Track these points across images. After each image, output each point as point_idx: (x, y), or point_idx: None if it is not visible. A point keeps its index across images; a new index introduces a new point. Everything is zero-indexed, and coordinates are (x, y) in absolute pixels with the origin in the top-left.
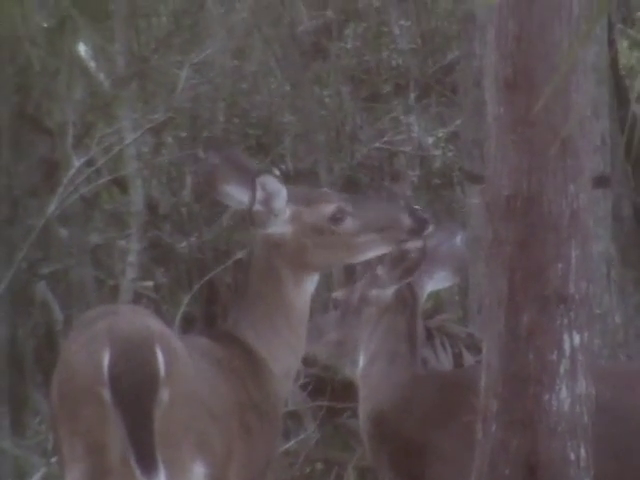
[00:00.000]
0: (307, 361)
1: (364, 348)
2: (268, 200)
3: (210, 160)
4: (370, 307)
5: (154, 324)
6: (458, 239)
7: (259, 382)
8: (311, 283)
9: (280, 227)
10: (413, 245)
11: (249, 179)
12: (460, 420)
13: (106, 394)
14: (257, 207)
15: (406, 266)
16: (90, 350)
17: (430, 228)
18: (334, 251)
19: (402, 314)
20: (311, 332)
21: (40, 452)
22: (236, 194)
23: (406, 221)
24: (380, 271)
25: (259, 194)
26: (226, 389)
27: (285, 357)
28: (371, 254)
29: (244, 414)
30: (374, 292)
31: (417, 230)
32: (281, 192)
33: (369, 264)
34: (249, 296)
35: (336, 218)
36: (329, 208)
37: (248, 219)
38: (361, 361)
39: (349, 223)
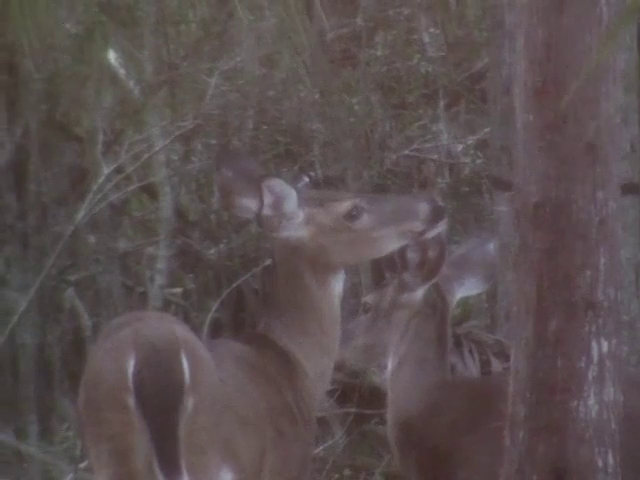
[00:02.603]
0: (336, 366)
1: (393, 353)
2: (278, 203)
3: (223, 174)
4: (400, 311)
5: (179, 331)
6: (490, 247)
7: (293, 384)
8: (337, 282)
9: (296, 231)
10: (432, 234)
11: (257, 186)
12: (488, 427)
13: (131, 401)
14: (267, 211)
15: (429, 267)
16: (115, 357)
17: (446, 217)
18: (353, 248)
19: (432, 319)
20: (340, 337)
21: (68, 458)
22: (249, 205)
23: (422, 211)
24: (407, 276)
25: (267, 198)
26: (258, 394)
27: (318, 358)
28: (391, 247)
29: (278, 419)
30: (404, 296)
31: (434, 218)
32: (290, 195)
33: (397, 270)
34: (278, 301)
35: (352, 215)
36: (344, 206)
37: (258, 224)
38: (389, 366)
39: (365, 219)
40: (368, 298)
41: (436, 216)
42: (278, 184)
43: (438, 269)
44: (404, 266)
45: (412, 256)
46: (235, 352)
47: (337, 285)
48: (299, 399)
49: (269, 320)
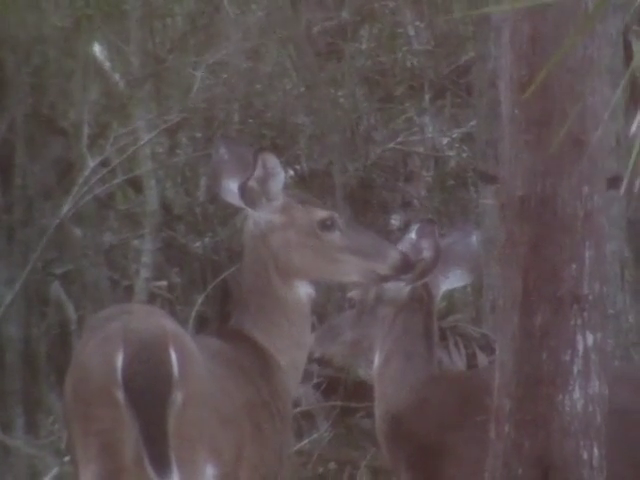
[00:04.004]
0: (322, 362)
1: (380, 347)
2: (265, 179)
3: (220, 156)
4: (386, 306)
5: (168, 325)
6: (473, 238)
7: (268, 378)
8: (302, 287)
9: (271, 213)
10: (393, 286)
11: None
12: (476, 421)
13: (120, 395)
14: (253, 183)
15: (421, 267)
16: (104, 351)
17: (412, 272)
18: (314, 258)
19: (418, 313)
20: (326, 332)
21: (53, 451)
22: (235, 190)
23: (393, 257)
24: None
25: (258, 170)
26: (236, 389)
27: (289, 349)
28: (348, 278)
29: (255, 414)
30: (390, 291)
31: (401, 269)
32: (279, 175)
33: None
34: (245, 291)
35: (326, 225)
36: (322, 213)
37: (240, 193)
38: (376, 361)
39: (337, 236)
40: (353, 293)
41: (404, 268)
42: (272, 160)
43: (431, 270)
44: None
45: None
46: (212, 347)
47: (302, 290)
48: (275, 393)
49: (239, 313)
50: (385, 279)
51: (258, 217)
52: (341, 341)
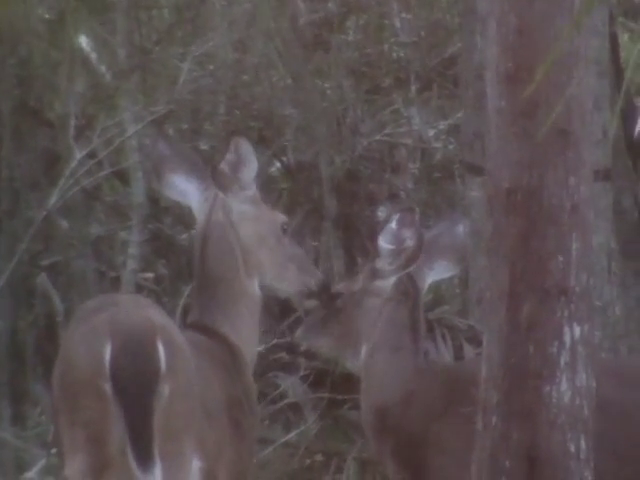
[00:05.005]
0: (308, 354)
1: (366, 340)
2: (237, 165)
3: (160, 151)
4: (372, 298)
5: (156, 316)
6: (459, 229)
7: (241, 374)
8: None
9: (242, 203)
10: (308, 304)
11: (199, 170)
12: (463, 412)
13: (107, 387)
14: (224, 166)
15: (406, 256)
16: (91, 342)
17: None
18: (273, 259)
19: (404, 305)
20: (313, 325)
21: (40, 443)
22: (182, 185)
23: (319, 277)
24: (379, 263)
25: (230, 155)
26: (218, 384)
27: (253, 346)
28: (288, 288)
29: (233, 410)
30: (376, 283)
31: (324, 290)
32: (252, 162)
33: (369, 257)
34: (211, 281)
35: (284, 229)
36: (282, 216)
37: (211, 175)
38: (363, 353)
39: (287, 242)
40: (340, 287)
41: (326, 289)
42: (246, 146)
43: (415, 258)
44: (375, 253)
45: (385, 244)
46: (194, 341)
47: (255, 287)
48: (247, 390)
49: (206, 305)
50: (310, 296)
51: (229, 205)
52: (328, 334)
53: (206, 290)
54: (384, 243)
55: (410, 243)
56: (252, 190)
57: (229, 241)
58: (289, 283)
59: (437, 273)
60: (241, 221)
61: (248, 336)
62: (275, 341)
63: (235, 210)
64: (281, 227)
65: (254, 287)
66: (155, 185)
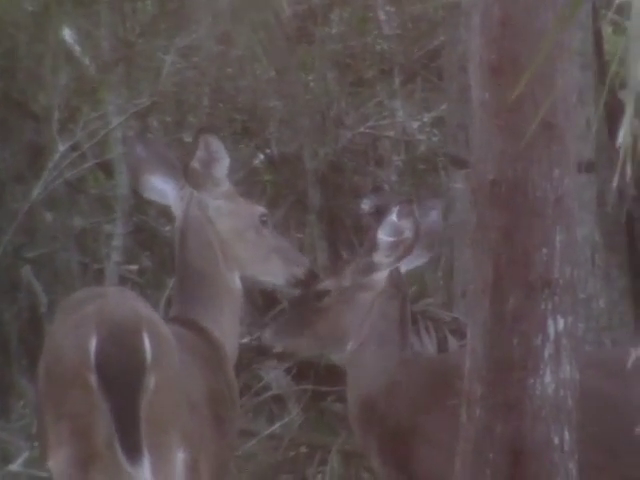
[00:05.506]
0: (282, 357)
1: (354, 334)
2: (208, 162)
3: (137, 153)
4: (365, 293)
5: (142, 309)
6: (433, 215)
7: (223, 368)
8: (237, 279)
9: (217, 199)
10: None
11: (175, 170)
12: (448, 405)
13: (93, 379)
14: (196, 164)
15: (403, 247)
16: (77, 334)
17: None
18: (253, 252)
19: (395, 299)
20: (286, 326)
21: (24, 436)
22: (160, 185)
23: (306, 265)
24: (376, 256)
25: (200, 152)
26: (201, 377)
27: (234, 340)
28: (273, 279)
29: (215, 402)
30: (372, 277)
31: (310, 278)
32: (223, 159)
33: (357, 251)
34: (192, 276)
35: (263, 220)
36: (261, 208)
37: (184, 174)
38: (350, 346)
39: (268, 233)
40: (327, 284)
41: (313, 277)
42: (216, 143)
43: (412, 249)
44: (374, 247)
45: (385, 237)
46: (177, 334)
47: (237, 282)
48: (229, 383)
49: (186, 300)
50: (298, 285)
51: (205, 201)
52: (307, 335)
53: (186, 285)
54: (384, 236)
55: (409, 234)
56: (226, 185)
57: (206, 236)
58: (274, 275)
59: (410, 261)
60: (217, 217)
61: (229, 329)
62: (259, 333)
63: (211, 206)
64: (259, 219)
65: (235, 281)
66: (134, 187)
